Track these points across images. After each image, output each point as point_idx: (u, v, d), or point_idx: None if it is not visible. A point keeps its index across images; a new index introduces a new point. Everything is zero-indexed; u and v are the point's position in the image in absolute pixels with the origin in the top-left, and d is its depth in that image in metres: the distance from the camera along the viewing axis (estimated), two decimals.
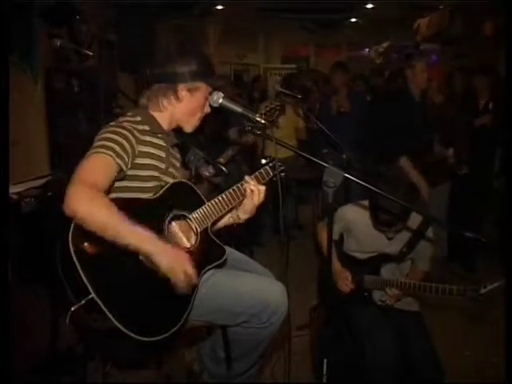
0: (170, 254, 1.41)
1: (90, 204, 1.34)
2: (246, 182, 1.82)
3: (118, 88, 4.89)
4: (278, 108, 2.42)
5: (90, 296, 1.30)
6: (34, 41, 3.89)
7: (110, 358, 2.22)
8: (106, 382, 2.24)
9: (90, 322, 1.39)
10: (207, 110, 1.79)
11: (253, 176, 1.86)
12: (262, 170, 1.89)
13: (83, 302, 1.31)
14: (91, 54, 3.18)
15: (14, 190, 2.22)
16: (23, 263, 2.60)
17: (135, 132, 1.60)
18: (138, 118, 1.67)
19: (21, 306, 2.54)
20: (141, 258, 1.44)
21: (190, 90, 1.69)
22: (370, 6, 7.52)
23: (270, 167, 1.90)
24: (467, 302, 2.06)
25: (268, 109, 2.41)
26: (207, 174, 2.71)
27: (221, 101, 1.72)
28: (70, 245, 1.33)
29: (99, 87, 2.82)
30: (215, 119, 3.29)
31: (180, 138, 1.86)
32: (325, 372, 1.62)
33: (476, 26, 6.52)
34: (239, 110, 1.68)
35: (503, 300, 1.61)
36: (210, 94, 1.74)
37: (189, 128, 1.79)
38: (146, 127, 1.66)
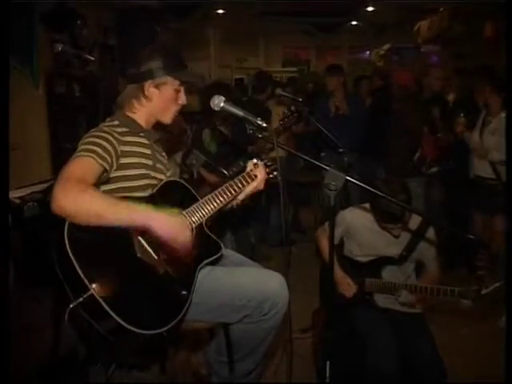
0: (166, 224, 1.44)
1: (78, 196, 1.35)
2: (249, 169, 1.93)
3: (119, 93, 4.90)
4: (295, 115, 2.42)
5: (90, 292, 1.30)
6: (35, 45, 3.90)
7: (112, 361, 2.22)
8: None
9: (90, 321, 1.37)
10: (182, 101, 1.81)
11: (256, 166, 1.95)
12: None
13: (82, 298, 1.30)
14: (92, 58, 3.20)
15: (16, 194, 2.23)
16: (26, 267, 2.61)
17: (115, 134, 1.63)
18: (116, 122, 1.70)
19: (23, 310, 2.54)
20: (138, 255, 1.47)
21: (156, 86, 1.72)
22: (370, 8, 7.52)
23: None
24: (470, 303, 2.05)
25: (286, 115, 2.41)
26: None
27: (222, 104, 1.70)
28: (66, 242, 1.33)
29: (100, 92, 2.84)
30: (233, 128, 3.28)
31: (161, 134, 1.88)
32: (328, 374, 1.62)
33: (476, 27, 6.52)
34: (241, 113, 1.67)
35: (503, 300, 1.61)
36: (181, 86, 1.77)
37: (167, 120, 1.82)
38: (125, 129, 1.69)
